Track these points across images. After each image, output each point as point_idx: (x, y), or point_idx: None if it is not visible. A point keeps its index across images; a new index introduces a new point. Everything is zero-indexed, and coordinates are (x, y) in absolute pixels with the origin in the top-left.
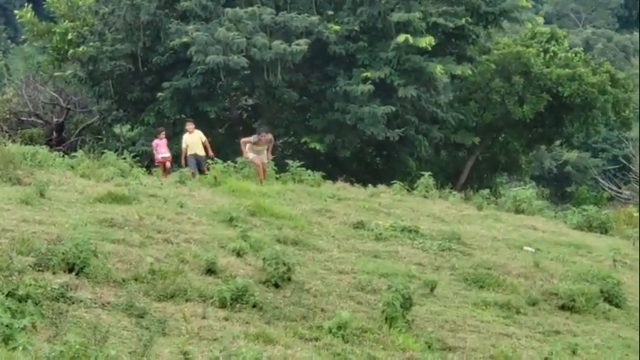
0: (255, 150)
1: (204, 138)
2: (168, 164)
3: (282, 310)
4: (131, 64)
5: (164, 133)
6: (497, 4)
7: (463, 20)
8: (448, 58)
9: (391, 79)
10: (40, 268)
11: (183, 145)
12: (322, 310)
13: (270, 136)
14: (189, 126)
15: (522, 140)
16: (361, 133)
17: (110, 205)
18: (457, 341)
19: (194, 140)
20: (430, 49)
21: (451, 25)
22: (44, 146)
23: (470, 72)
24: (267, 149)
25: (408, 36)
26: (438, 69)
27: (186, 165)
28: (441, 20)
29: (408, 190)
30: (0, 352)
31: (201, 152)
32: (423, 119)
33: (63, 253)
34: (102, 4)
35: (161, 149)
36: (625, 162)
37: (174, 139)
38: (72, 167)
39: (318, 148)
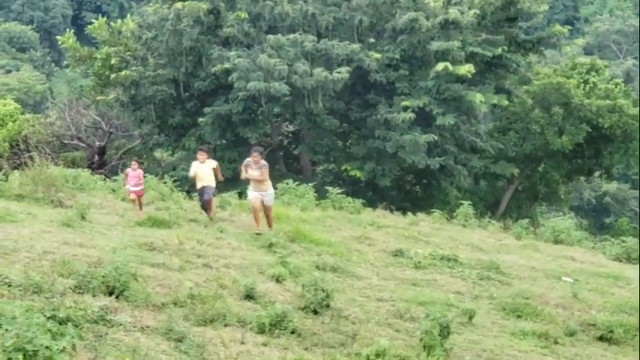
0: (252, 180)
1: (214, 164)
2: (133, 196)
3: (320, 336)
4: (173, 89)
5: (136, 164)
6: (535, 32)
7: (500, 49)
8: (487, 87)
9: (430, 108)
10: (81, 291)
11: (191, 174)
12: (361, 337)
13: (263, 162)
14: (202, 155)
15: (562, 171)
16: (401, 161)
17: (150, 229)
18: None
19: (205, 172)
20: (470, 77)
21: (489, 54)
22: (86, 169)
23: (506, 102)
24: (261, 174)
25: (447, 64)
26: (477, 97)
27: (201, 200)
28: (478, 49)
29: (447, 218)
30: None
31: (212, 184)
32: (462, 148)
33: (103, 276)
34: (145, 29)
35: (131, 181)
36: None
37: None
38: (113, 191)
39: (358, 175)
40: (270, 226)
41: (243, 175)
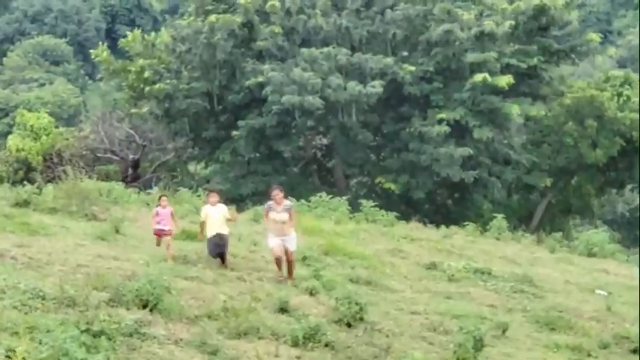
0: (273, 222)
1: (228, 214)
2: (167, 239)
3: (354, 349)
4: (207, 102)
5: (165, 200)
6: (568, 42)
7: (535, 60)
8: (522, 98)
9: (466, 120)
10: (115, 304)
11: (202, 218)
12: (394, 350)
13: (287, 202)
14: (213, 197)
15: (595, 184)
16: (435, 174)
17: (184, 242)
18: None
19: (217, 216)
20: (507, 88)
21: (524, 64)
22: (120, 183)
23: (544, 113)
24: (290, 218)
25: (486, 74)
26: (514, 109)
27: (211, 248)
28: (514, 61)
29: (480, 231)
30: None
31: (224, 230)
32: (496, 161)
33: (137, 289)
34: (179, 42)
35: (162, 220)
36: None
37: (248, 177)
38: (147, 204)
39: (392, 188)
40: (290, 274)
41: (267, 222)
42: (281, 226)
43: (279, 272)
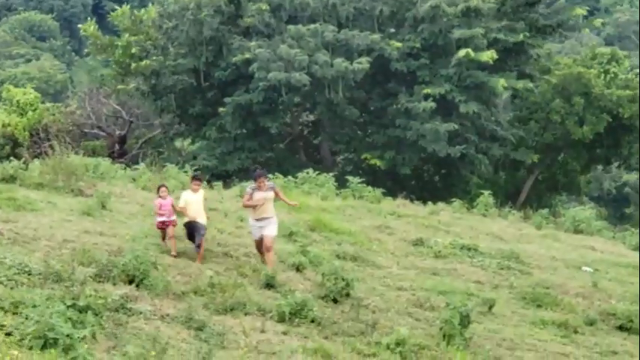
0: (258, 202)
1: (202, 196)
2: (171, 230)
3: (340, 325)
4: (193, 78)
5: (166, 190)
6: (554, 17)
7: (522, 35)
8: (509, 73)
9: (452, 96)
10: (101, 279)
11: (181, 204)
12: (381, 326)
13: (270, 183)
14: (196, 185)
15: (581, 160)
16: (422, 150)
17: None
18: None
19: (198, 204)
20: (492, 63)
21: (511, 40)
22: (106, 158)
23: (531, 85)
24: (276, 194)
25: (469, 50)
26: (500, 83)
27: (189, 233)
28: (501, 35)
29: (467, 208)
30: None
31: (203, 220)
32: (483, 137)
33: (123, 265)
34: (165, 18)
35: (165, 211)
36: None
37: (234, 153)
38: (133, 180)
39: (378, 164)
40: (267, 261)
41: (248, 202)
42: (260, 208)
43: (262, 257)
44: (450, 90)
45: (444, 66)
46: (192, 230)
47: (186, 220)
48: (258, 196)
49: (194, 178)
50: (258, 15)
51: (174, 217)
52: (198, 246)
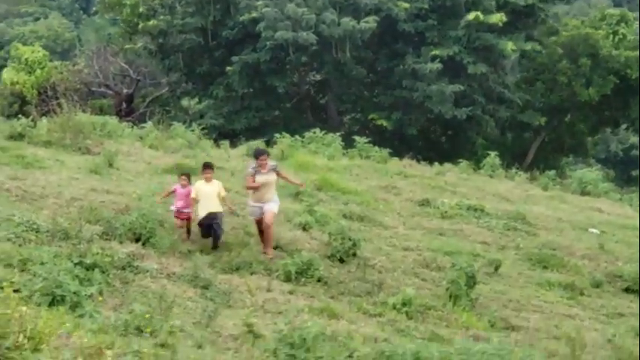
0: (259, 185)
1: (223, 192)
2: (179, 222)
3: (346, 285)
4: (201, 37)
5: (185, 179)
6: None
7: None
8: (517, 35)
9: (461, 57)
10: (108, 237)
11: (193, 195)
12: (387, 286)
13: (272, 163)
14: (208, 174)
15: (588, 122)
16: (428, 111)
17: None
18: (520, 321)
19: (209, 193)
20: (501, 25)
21: (522, 2)
22: (113, 117)
23: (539, 48)
24: (278, 176)
25: (479, 13)
26: (509, 46)
27: (204, 233)
28: None
29: (474, 169)
30: (67, 318)
31: (218, 209)
32: (490, 99)
33: (130, 223)
34: None
35: (180, 201)
36: None
37: (241, 112)
38: (140, 138)
39: (385, 124)
40: (267, 246)
41: (252, 185)
42: (266, 189)
43: (262, 237)
44: (458, 52)
45: (453, 27)
46: (207, 229)
47: (200, 214)
48: (261, 179)
49: (205, 166)
50: None
51: (188, 210)
52: (216, 240)
